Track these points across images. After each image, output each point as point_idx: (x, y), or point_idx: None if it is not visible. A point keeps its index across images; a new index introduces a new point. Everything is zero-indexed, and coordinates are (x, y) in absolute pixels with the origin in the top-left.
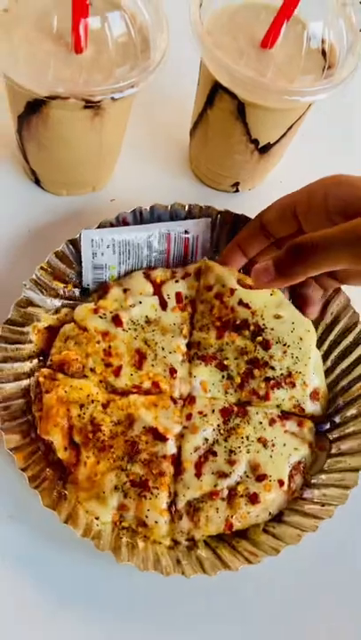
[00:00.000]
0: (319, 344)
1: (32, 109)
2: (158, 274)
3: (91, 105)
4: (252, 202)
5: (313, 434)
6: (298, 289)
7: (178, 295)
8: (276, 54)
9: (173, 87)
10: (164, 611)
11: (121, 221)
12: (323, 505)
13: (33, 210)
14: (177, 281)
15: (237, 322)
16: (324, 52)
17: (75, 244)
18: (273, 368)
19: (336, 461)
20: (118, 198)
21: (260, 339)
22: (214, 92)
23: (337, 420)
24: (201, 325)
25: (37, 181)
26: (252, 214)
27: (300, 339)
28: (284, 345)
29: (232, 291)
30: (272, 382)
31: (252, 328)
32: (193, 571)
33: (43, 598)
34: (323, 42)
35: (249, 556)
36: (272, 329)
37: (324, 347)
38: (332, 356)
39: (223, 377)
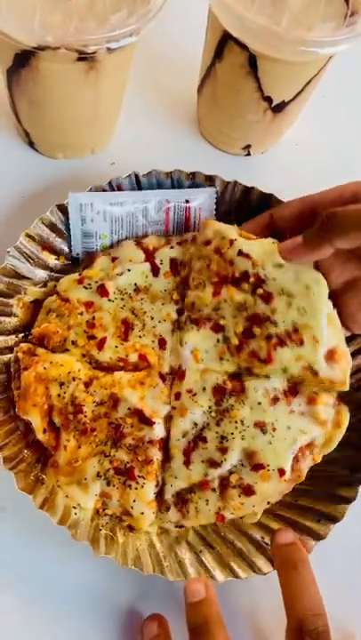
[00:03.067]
0: None
1: (20, 62)
2: (151, 241)
3: (84, 57)
4: (264, 166)
5: (329, 409)
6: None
7: (172, 261)
8: (292, 0)
9: (179, 39)
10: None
11: (115, 187)
12: (318, 520)
13: (27, 174)
14: (172, 247)
15: (236, 275)
16: None
17: (63, 209)
18: (275, 323)
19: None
20: (119, 162)
21: (260, 291)
22: (223, 44)
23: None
24: (197, 283)
25: (31, 143)
26: (264, 181)
27: (307, 287)
28: (289, 296)
29: (232, 242)
30: (274, 340)
31: (252, 280)
32: (175, 575)
33: (28, 594)
34: None
35: (236, 569)
36: (274, 279)
37: None
38: None
39: (218, 340)
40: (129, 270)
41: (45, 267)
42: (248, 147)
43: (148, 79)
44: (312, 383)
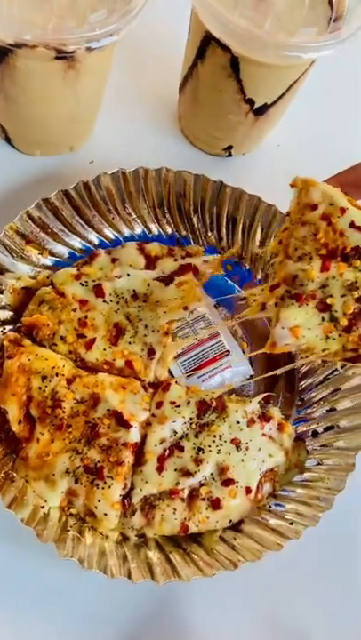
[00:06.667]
0: None
1: None
2: (154, 248)
3: (63, 56)
4: (245, 167)
5: (291, 441)
6: None
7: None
8: (275, 2)
9: (162, 37)
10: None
11: (102, 186)
12: (291, 523)
13: (3, 171)
14: (176, 259)
15: (347, 249)
16: (330, 1)
17: (49, 204)
18: None
19: (314, 477)
20: (98, 160)
21: None
22: (205, 45)
23: (320, 429)
24: (301, 254)
25: (8, 139)
26: (246, 183)
27: None
28: None
29: (343, 210)
30: None
31: None
32: (141, 575)
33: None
34: None
35: (204, 567)
36: None
37: None
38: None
39: (324, 319)
40: (128, 275)
41: (29, 261)
42: (230, 147)
43: (129, 77)
44: None
